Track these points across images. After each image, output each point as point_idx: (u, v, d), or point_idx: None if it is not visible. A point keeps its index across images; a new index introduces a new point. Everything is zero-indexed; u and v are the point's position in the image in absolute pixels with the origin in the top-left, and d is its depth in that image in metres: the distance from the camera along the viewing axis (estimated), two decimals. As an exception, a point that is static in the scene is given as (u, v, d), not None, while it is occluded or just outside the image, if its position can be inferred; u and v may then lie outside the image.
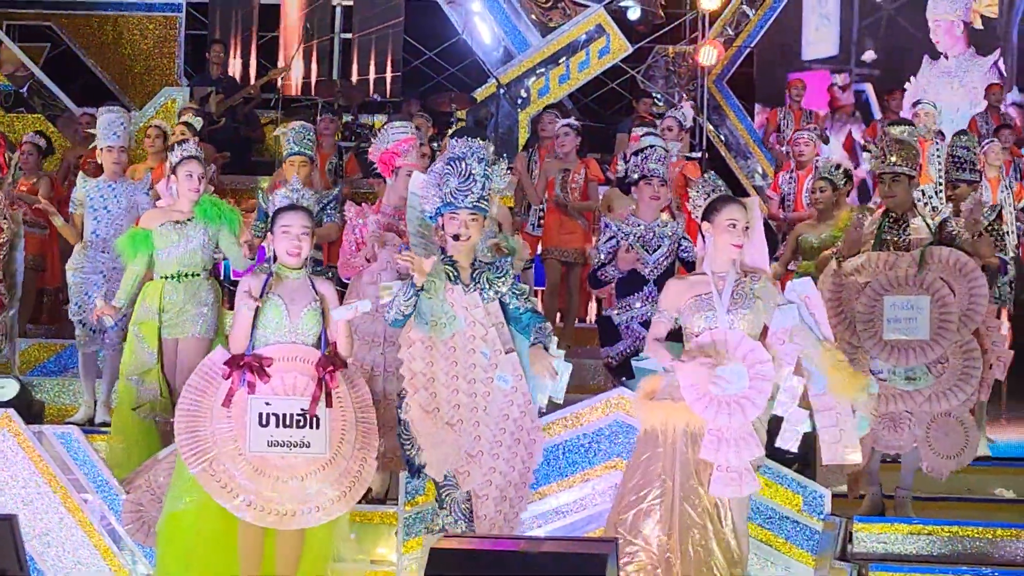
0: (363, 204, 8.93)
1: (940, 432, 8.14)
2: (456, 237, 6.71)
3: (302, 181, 8.93)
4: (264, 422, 6.70)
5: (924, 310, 8.05)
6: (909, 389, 8.10)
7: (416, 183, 7.11)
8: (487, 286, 6.76)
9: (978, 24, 18.44)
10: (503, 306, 6.81)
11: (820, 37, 18.86)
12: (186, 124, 12.16)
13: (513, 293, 6.81)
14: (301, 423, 6.72)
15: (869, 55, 18.80)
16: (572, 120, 12.68)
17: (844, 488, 9.04)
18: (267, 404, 6.72)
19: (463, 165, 6.73)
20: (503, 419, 6.76)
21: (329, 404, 6.79)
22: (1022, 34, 18.65)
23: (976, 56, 18.38)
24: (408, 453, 6.97)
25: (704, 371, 6.37)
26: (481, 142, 6.85)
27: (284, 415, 6.71)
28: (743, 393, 6.38)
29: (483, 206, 6.75)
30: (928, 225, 8.32)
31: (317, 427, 6.74)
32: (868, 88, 18.25)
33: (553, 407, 7.35)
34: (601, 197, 12.01)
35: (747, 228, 6.56)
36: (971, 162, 10.03)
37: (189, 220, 8.65)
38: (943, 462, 8.19)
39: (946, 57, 18.38)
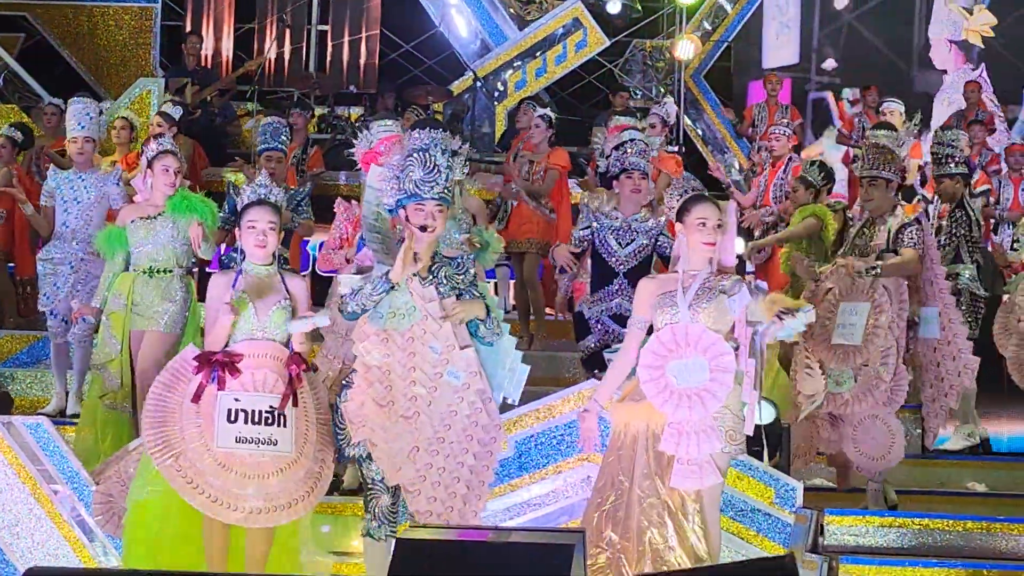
0: (352, 201, 8.90)
1: (866, 435, 8.30)
2: (423, 228, 6.60)
3: (277, 177, 8.93)
4: (232, 418, 6.64)
5: (863, 316, 8.15)
6: (834, 392, 8.28)
7: (373, 176, 7.00)
8: (445, 281, 6.69)
9: (976, 43, 18.46)
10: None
11: (781, 44, 18.89)
12: (162, 114, 12.11)
13: (471, 293, 6.75)
14: (269, 420, 6.67)
15: (830, 63, 18.82)
16: (547, 112, 12.67)
17: (818, 482, 9.11)
18: (236, 400, 6.65)
19: (427, 156, 6.64)
20: (449, 415, 6.64)
21: (296, 403, 6.75)
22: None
23: (970, 72, 18.40)
24: (340, 441, 6.89)
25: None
26: (443, 132, 6.80)
27: (253, 412, 6.66)
28: (704, 386, 6.36)
29: (447, 197, 6.68)
30: (890, 230, 8.40)
31: (284, 426, 6.69)
32: (828, 96, 18.22)
33: (507, 406, 7.28)
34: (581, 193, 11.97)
35: (719, 226, 6.55)
36: (952, 156, 10.04)
37: (160, 215, 8.60)
38: (869, 463, 8.39)
39: (945, 73, 18.39)
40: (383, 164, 8.37)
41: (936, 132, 10.62)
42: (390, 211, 6.78)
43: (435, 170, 6.62)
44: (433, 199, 6.61)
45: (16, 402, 10.58)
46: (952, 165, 9.97)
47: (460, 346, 6.67)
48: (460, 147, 6.81)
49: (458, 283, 6.72)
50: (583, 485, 7.50)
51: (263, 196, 6.96)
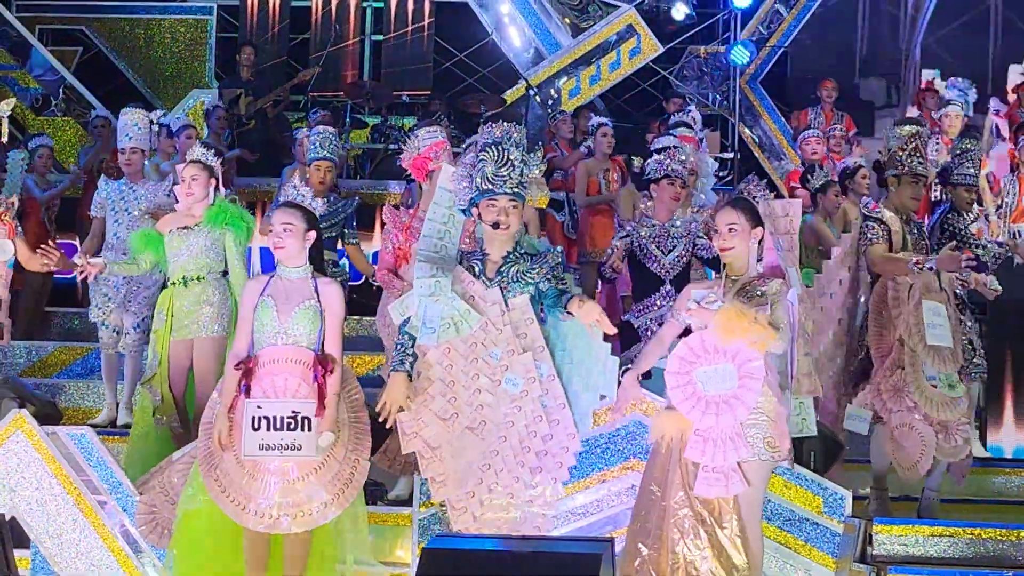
0: (400, 207, 8.85)
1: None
2: (495, 225, 6.45)
3: (327, 186, 8.91)
4: (256, 425, 6.68)
5: (945, 316, 8.06)
6: (953, 396, 8.14)
7: (446, 176, 6.79)
8: (516, 279, 6.53)
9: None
10: (538, 297, 6.58)
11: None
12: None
13: (547, 277, 6.53)
14: (292, 425, 6.68)
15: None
16: (607, 119, 12.78)
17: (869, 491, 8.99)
18: (259, 407, 6.69)
19: (500, 150, 6.47)
20: (505, 426, 6.51)
21: (322, 406, 6.73)
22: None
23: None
24: None
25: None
26: (517, 126, 6.61)
27: (275, 418, 6.68)
28: (732, 393, 6.27)
29: (522, 192, 6.50)
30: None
31: (309, 430, 6.69)
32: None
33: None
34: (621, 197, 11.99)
35: (731, 231, 6.46)
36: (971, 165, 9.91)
37: (196, 225, 8.57)
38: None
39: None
40: (434, 169, 8.46)
41: (955, 141, 10.55)
42: (464, 211, 6.63)
43: (508, 164, 6.46)
44: (506, 194, 6.45)
45: (68, 413, 10.63)
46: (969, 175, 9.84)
47: (522, 350, 6.51)
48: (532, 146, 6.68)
49: (532, 278, 6.53)
50: (627, 494, 7.41)
51: (289, 198, 7.00)
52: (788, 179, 12.63)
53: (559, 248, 6.78)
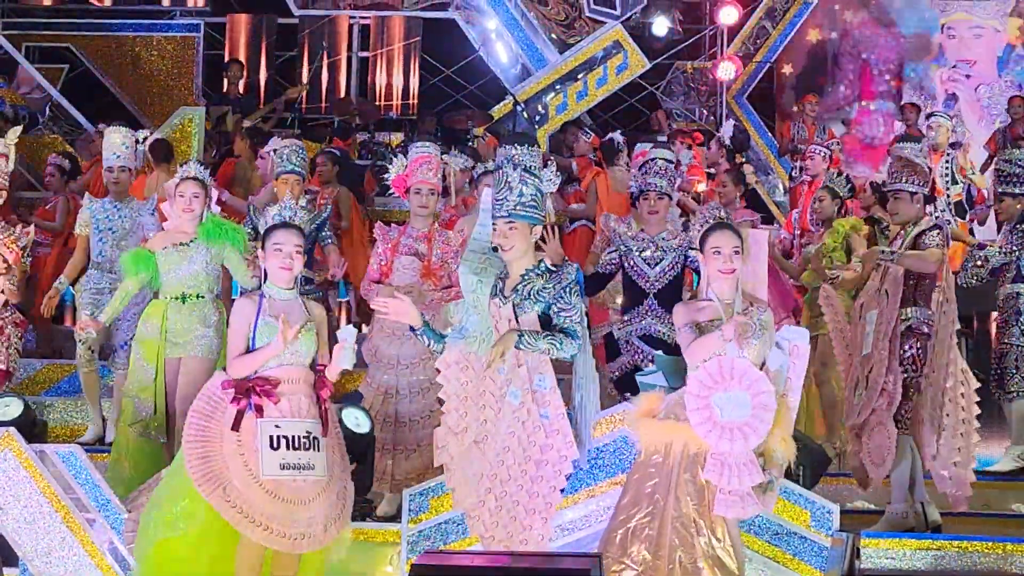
0: (391, 224, 8.88)
1: (873, 442, 8.20)
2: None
3: (295, 199, 8.91)
4: (275, 445, 6.65)
5: (873, 323, 8.12)
6: (856, 403, 8.24)
7: (486, 198, 6.88)
8: (528, 296, 6.53)
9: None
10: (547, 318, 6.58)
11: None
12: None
13: (558, 306, 6.53)
14: (307, 445, 6.70)
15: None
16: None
17: (860, 504, 9.02)
18: (277, 427, 6.67)
19: (500, 174, 6.61)
20: (509, 436, 6.55)
21: (325, 425, 6.76)
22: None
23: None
24: None
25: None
26: (520, 147, 6.65)
27: (293, 437, 6.68)
28: (745, 421, 6.31)
29: (521, 213, 6.53)
30: (908, 235, 8.37)
31: (319, 450, 6.72)
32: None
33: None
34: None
35: (736, 254, 6.46)
36: (1015, 175, 9.90)
37: (192, 241, 8.58)
38: (874, 469, 8.25)
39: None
40: (411, 184, 8.50)
41: (1003, 150, 10.55)
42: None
43: (505, 187, 6.56)
44: (502, 217, 6.55)
45: (56, 431, 10.61)
46: (1016, 184, 9.85)
47: (518, 364, 6.54)
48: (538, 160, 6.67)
49: (543, 297, 6.54)
50: (616, 510, 7.45)
51: (288, 219, 6.97)
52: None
53: (574, 265, 6.78)
